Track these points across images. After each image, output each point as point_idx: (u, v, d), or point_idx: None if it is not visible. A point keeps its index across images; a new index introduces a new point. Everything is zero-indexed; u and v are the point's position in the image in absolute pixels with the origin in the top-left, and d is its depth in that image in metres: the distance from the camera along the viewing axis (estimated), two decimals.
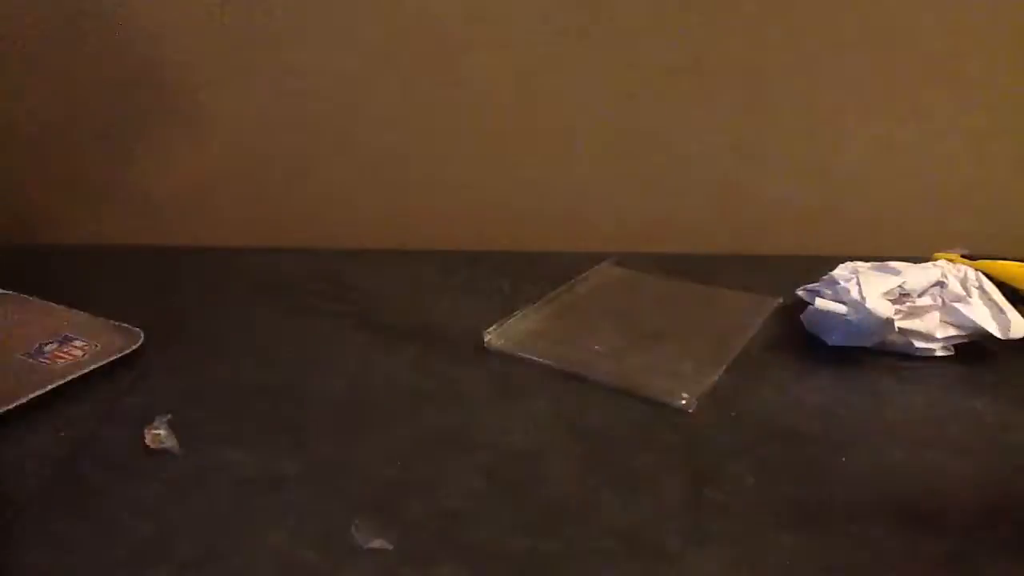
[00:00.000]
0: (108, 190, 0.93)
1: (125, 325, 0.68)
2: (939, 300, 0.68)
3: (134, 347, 0.64)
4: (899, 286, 0.67)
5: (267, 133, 0.91)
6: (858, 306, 0.65)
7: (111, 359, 0.62)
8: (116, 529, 0.46)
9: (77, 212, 0.94)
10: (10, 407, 0.56)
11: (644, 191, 0.93)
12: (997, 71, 0.87)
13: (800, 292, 0.73)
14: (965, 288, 0.69)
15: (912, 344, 0.66)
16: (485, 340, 0.67)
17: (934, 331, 0.66)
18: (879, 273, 0.69)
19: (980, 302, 0.67)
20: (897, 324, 0.65)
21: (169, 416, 0.56)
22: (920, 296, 0.68)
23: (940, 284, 0.69)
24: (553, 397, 0.60)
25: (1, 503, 0.48)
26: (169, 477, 0.50)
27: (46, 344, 0.64)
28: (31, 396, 0.57)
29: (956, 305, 0.66)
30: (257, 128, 0.91)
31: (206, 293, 0.77)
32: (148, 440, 0.53)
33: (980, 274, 0.70)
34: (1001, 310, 0.67)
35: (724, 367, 0.64)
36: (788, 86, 0.88)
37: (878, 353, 0.67)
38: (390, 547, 0.45)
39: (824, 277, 0.72)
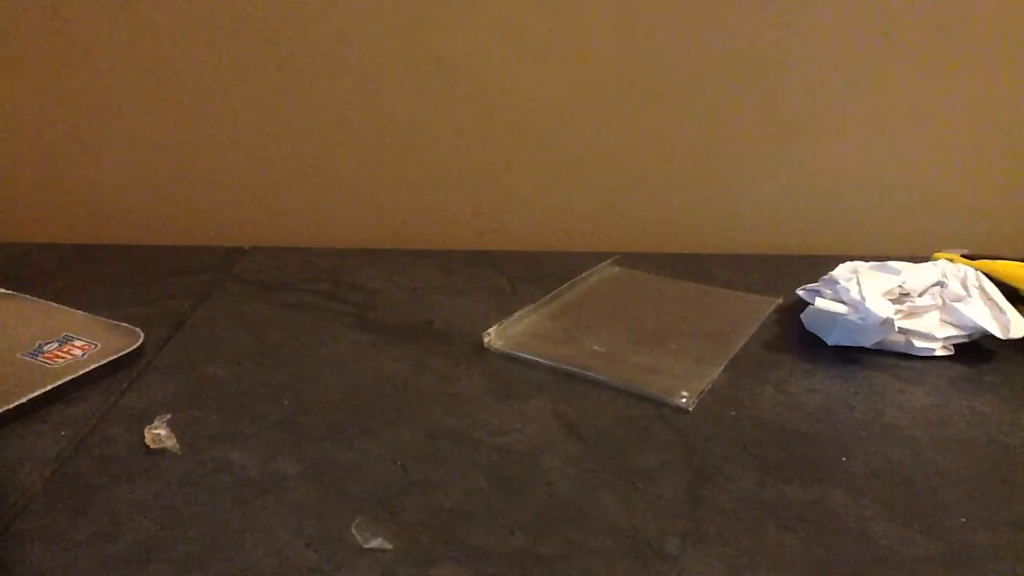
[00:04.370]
0: (107, 189, 0.93)
1: (125, 325, 0.68)
2: (939, 300, 0.68)
3: (134, 347, 0.64)
4: (899, 286, 0.68)
5: (267, 133, 0.91)
6: (858, 306, 0.65)
7: (111, 359, 0.62)
8: (116, 529, 0.46)
9: (76, 211, 0.94)
10: (10, 407, 0.56)
11: (643, 191, 0.93)
12: (997, 71, 0.87)
13: (800, 292, 0.73)
14: (965, 288, 0.69)
15: (912, 344, 0.66)
16: (485, 340, 0.67)
17: (934, 331, 0.66)
18: (879, 273, 0.69)
19: (980, 302, 0.67)
20: (897, 324, 0.65)
21: (169, 416, 0.56)
22: (920, 296, 0.68)
23: (940, 284, 0.69)
24: (553, 397, 0.60)
25: (1, 503, 0.48)
26: (169, 477, 0.50)
27: (46, 344, 0.64)
28: (31, 396, 0.57)
29: (956, 305, 0.66)
30: (257, 128, 0.91)
31: (206, 293, 0.77)
32: (148, 440, 0.53)
33: (980, 274, 0.70)
34: (1001, 310, 0.67)
35: (724, 366, 0.64)
36: (788, 86, 0.88)
37: (878, 353, 0.67)
38: (390, 547, 0.45)
39: (824, 277, 0.72)
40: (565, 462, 0.52)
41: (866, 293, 0.66)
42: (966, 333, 0.67)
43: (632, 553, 0.45)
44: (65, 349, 0.63)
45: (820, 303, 0.68)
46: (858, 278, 0.68)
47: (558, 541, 0.45)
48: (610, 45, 0.87)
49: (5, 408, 0.55)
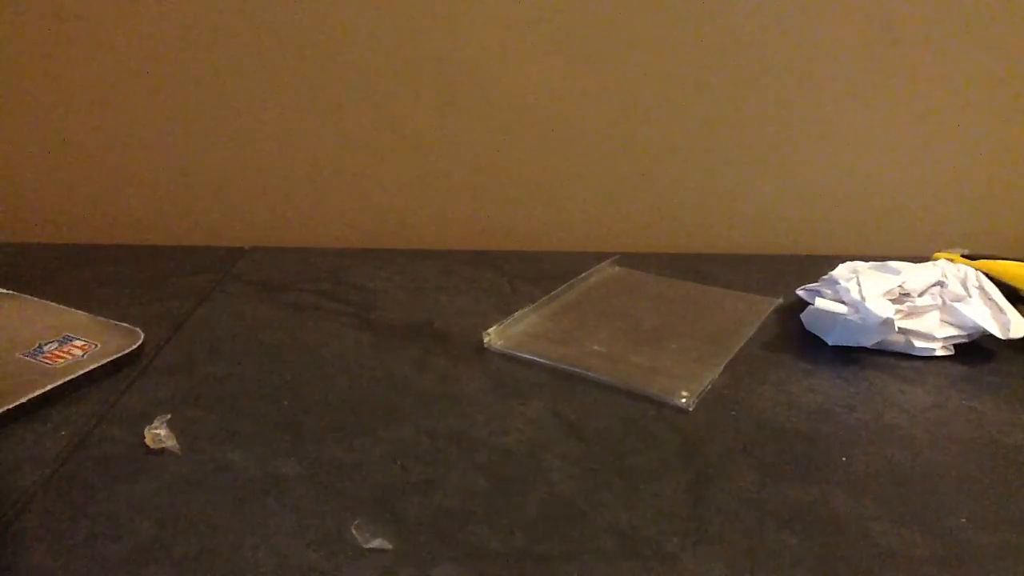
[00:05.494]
0: (107, 189, 0.93)
1: (125, 325, 0.68)
2: (939, 300, 0.68)
3: (134, 347, 0.64)
4: (899, 286, 0.68)
5: (267, 133, 0.91)
6: (858, 306, 0.65)
7: (111, 359, 0.62)
8: (116, 529, 0.46)
9: (76, 211, 0.94)
10: (10, 407, 0.56)
11: (644, 191, 0.93)
12: (997, 71, 0.87)
13: (800, 292, 0.73)
14: (965, 288, 0.69)
15: (912, 344, 0.66)
16: (485, 340, 0.67)
17: (934, 331, 0.66)
18: (879, 273, 0.69)
19: (980, 302, 0.67)
20: (897, 324, 0.65)
21: (169, 416, 0.56)
22: (920, 296, 0.68)
23: (940, 284, 0.69)
24: (553, 397, 0.60)
25: (1, 503, 0.48)
26: (169, 477, 0.50)
27: (46, 343, 0.64)
28: (31, 396, 0.57)
29: (956, 305, 0.67)
30: (257, 128, 0.91)
31: (206, 293, 0.77)
32: (148, 440, 0.53)
33: (980, 274, 0.70)
34: (1001, 310, 0.67)
35: (724, 367, 0.64)
36: (788, 86, 0.88)
37: (878, 353, 0.67)
38: (390, 547, 0.45)
39: (824, 277, 0.72)
40: (565, 462, 0.52)
41: (866, 293, 0.66)
42: (966, 333, 0.67)
43: (632, 553, 0.45)
44: (65, 349, 0.63)
45: (820, 303, 0.68)
46: (858, 278, 0.68)
47: (558, 541, 0.45)
48: (610, 45, 0.87)
49: (5, 408, 0.55)
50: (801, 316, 0.71)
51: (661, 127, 0.90)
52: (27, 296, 0.73)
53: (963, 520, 0.48)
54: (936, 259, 0.75)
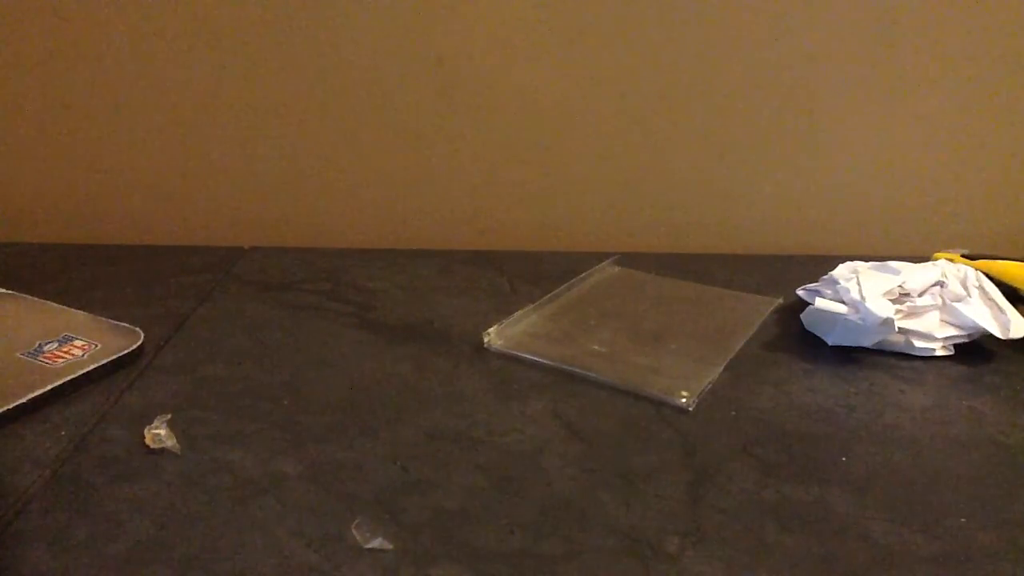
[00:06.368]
0: (107, 189, 0.93)
1: (125, 325, 0.68)
2: (939, 300, 0.68)
3: (134, 347, 0.64)
4: (899, 286, 0.68)
5: (267, 133, 0.91)
6: (858, 306, 0.65)
7: (111, 359, 0.62)
8: (116, 529, 0.46)
9: (76, 211, 0.94)
10: (10, 407, 0.56)
11: (644, 191, 0.93)
12: (997, 71, 0.87)
13: (800, 292, 0.73)
14: (965, 288, 0.69)
15: (912, 344, 0.66)
16: (485, 340, 0.67)
17: (934, 331, 0.66)
18: (879, 273, 0.69)
19: (980, 302, 0.67)
20: (897, 324, 0.65)
21: (169, 416, 0.56)
22: (920, 296, 0.68)
23: (940, 284, 0.69)
24: (553, 397, 0.60)
25: (1, 503, 0.48)
26: (169, 477, 0.50)
27: (46, 343, 0.64)
28: (31, 396, 0.57)
29: (956, 305, 0.67)
30: (257, 128, 0.91)
31: (206, 293, 0.77)
32: (148, 440, 0.53)
33: (980, 274, 0.70)
34: (1001, 310, 0.67)
35: (724, 366, 0.64)
36: (788, 86, 0.88)
37: (878, 353, 0.67)
38: (390, 547, 0.45)
39: (824, 277, 0.72)
40: (565, 462, 0.52)
41: (866, 293, 0.66)
42: (966, 333, 0.67)
43: (632, 553, 0.45)
44: (65, 349, 0.63)
45: (820, 303, 0.68)
46: (858, 278, 0.68)
47: (558, 541, 0.45)
48: (610, 45, 0.87)
49: (5, 408, 0.55)
50: (801, 316, 0.71)
51: (661, 127, 0.90)
52: (27, 296, 0.73)
53: (963, 520, 0.48)
54: (936, 259, 0.75)
